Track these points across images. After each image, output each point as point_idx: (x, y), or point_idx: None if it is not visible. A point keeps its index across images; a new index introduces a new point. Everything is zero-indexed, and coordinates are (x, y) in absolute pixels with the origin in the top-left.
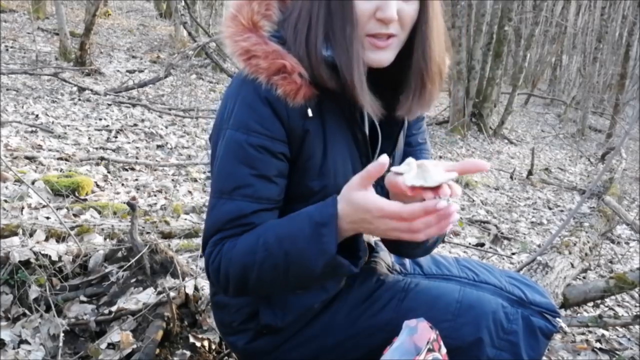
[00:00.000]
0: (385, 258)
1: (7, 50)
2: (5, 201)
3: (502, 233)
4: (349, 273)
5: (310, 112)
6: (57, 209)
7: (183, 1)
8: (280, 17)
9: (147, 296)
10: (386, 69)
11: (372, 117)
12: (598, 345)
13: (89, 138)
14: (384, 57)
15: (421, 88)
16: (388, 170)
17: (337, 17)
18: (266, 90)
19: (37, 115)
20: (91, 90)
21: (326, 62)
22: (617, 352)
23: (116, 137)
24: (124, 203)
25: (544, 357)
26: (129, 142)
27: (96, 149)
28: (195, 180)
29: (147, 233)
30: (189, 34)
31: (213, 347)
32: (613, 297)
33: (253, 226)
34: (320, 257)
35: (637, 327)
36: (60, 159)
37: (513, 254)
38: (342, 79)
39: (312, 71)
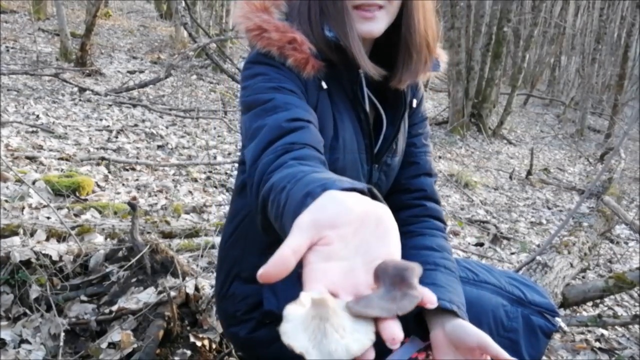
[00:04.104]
0: None
1: (7, 50)
2: (6, 201)
3: (501, 233)
4: None
5: (324, 84)
6: (57, 209)
7: (183, 2)
8: (287, 10)
9: (148, 296)
10: (385, 46)
11: (372, 74)
12: (597, 344)
13: (90, 138)
14: (374, 27)
15: (408, 58)
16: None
17: None
18: (280, 60)
19: (37, 116)
20: (92, 90)
21: (329, 41)
22: (617, 352)
23: (117, 138)
24: (125, 203)
25: (543, 357)
26: (130, 143)
27: (97, 149)
28: (196, 181)
29: (148, 233)
30: (190, 34)
31: (213, 346)
32: (612, 296)
33: (308, 126)
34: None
35: (636, 326)
36: (61, 159)
37: (512, 253)
38: (343, 48)
39: (316, 45)
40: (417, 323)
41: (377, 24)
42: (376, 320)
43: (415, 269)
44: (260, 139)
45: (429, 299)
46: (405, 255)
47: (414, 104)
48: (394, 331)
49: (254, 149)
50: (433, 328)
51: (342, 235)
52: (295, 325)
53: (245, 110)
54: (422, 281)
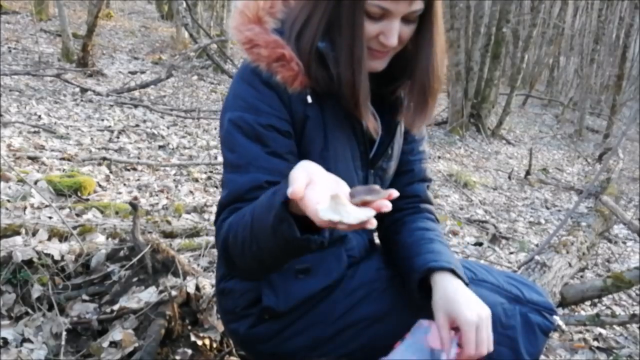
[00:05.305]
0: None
1: (10, 51)
2: (8, 201)
3: (500, 232)
4: (296, 239)
5: (309, 99)
6: (59, 209)
7: (184, 3)
8: (283, 16)
9: (149, 295)
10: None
11: (371, 131)
12: (595, 343)
13: (92, 138)
14: (380, 65)
15: (423, 104)
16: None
17: (347, 31)
18: (267, 76)
19: (39, 116)
20: (93, 91)
21: (318, 54)
22: (615, 351)
23: (118, 138)
24: (126, 203)
25: (542, 356)
26: (131, 143)
27: (98, 149)
28: (197, 181)
29: (149, 232)
30: (191, 35)
31: (214, 345)
32: (610, 296)
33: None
34: (272, 209)
35: (634, 325)
36: (63, 159)
37: (511, 253)
38: (339, 85)
39: (306, 63)
40: (423, 299)
41: (384, 63)
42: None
43: (378, 186)
44: (222, 201)
45: (394, 193)
46: (402, 238)
47: (405, 103)
48: (385, 202)
49: (218, 205)
50: (435, 292)
51: (321, 181)
52: (326, 210)
53: (223, 133)
54: (421, 252)
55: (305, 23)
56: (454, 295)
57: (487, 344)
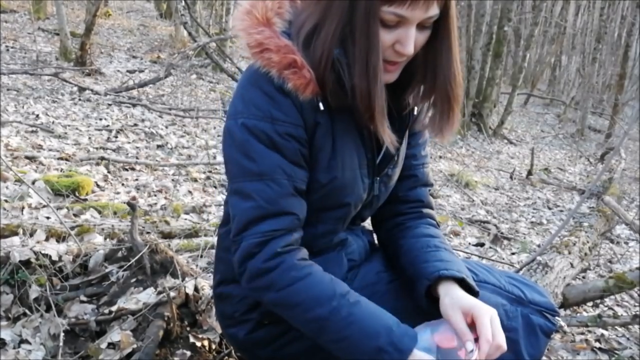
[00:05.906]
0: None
1: (7, 50)
2: (6, 201)
3: (502, 233)
4: None
5: (321, 106)
6: (57, 209)
7: (183, 1)
8: (291, 17)
9: (147, 296)
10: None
11: (388, 145)
12: (597, 344)
13: (89, 138)
14: (392, 78)
15: (449, 111)
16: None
17: (361, 41)
18: (279, 83)
19: (37, 115)
20: (91, 90)
21: (332, 65)
22: (617, 352)
23: (116, 137)
24: (124, 203)
25: (543, 357)
26: (129, 142)
27: (96, 148)
28: (196, 180)
29: (147, 233)
30: (189, 34)
31: (213, 346)
32: (612, 296)
33: (297, 218)
34: None
35: (636, 326)
36: (61, 158)
37: (513, 253)
38: (352, 98)
39: (316, 72)
40: (429, 305)
41: (397, 74)
42: None
43: None
44: (252, 212)
45: None
46: (408, 243)
47: (415, 111)
48: None
49: (245, 216)
50: (444, 295)
51: None
52: None
53: (238, 139)
54: (430, 260)
55: (313, 30)
56: (465, 295)
57: (503, 339)
